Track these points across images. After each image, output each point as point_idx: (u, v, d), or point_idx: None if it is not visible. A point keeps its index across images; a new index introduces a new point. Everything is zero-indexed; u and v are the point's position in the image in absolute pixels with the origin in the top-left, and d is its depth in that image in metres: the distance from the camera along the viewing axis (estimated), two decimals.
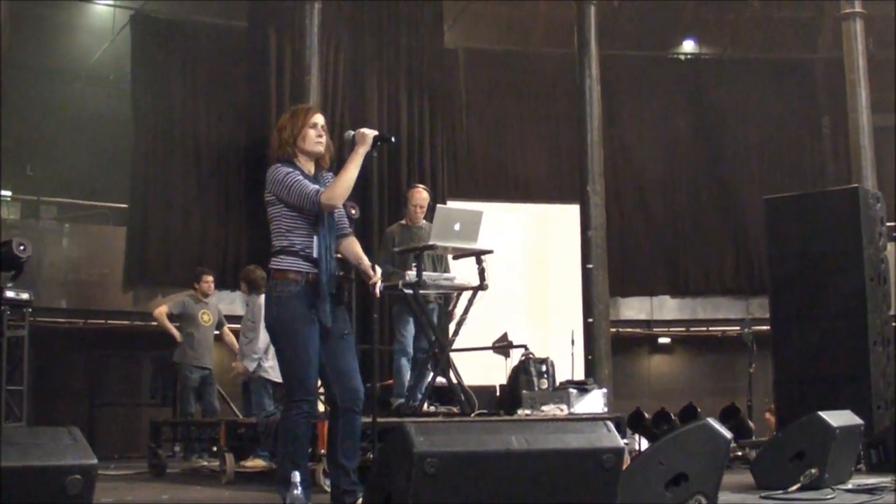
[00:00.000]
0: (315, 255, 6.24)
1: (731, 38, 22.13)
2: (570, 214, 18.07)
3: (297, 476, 5.53)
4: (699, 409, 12.00)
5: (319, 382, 6.52)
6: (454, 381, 10.17)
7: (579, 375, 14.24)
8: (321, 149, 6.41)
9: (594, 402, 11.05)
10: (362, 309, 11.75)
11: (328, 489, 7.63)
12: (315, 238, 6.27)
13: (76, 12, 19.21)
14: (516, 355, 12.28)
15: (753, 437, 11.99)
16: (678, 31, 22.41)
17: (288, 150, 6.38)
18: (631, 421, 12.09)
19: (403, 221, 10.77)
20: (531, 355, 11.83)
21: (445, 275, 10.22)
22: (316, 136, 6.39)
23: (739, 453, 11.07)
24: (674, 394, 19.44)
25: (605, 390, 11.69)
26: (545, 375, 11.61)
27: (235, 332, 13.71)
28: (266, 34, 17.39)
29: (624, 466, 5.41)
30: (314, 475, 8.19)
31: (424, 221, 10.58)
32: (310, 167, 6.41)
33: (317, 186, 6.24)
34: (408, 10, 18.39)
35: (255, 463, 10.90)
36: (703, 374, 21.75)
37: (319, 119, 6.46)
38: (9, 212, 17.77)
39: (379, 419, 7.45)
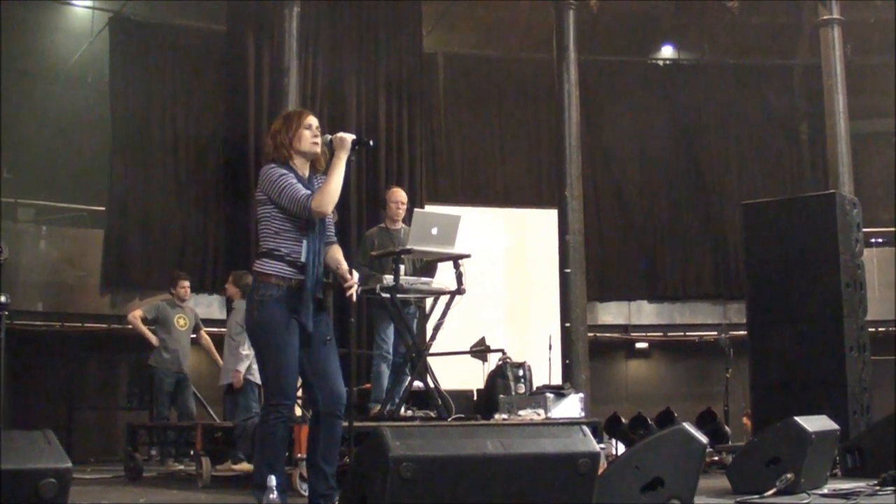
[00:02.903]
0: (303, 259, 6.24)
1: (709, 44, 22.21)
2: (548, 219, 18.09)
3: (273, 480, 5.53)
4: (676, 414, 11.99)
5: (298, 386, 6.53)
6: (431, 385, 10.17)
7: (556, 380, 14.24)
8: (318, 149, 6.40)
9: (571, 406, 11.05)
10: (339, 313, 11.75)
11: (304, 493, 7.64)
12: (304, 242, 6.26)
13: (54, 14, 19.16)
14: (493, 359, 12.28)
15: (730, 442, 12.00)
16: (657, 37, 22.49)
17: (284, 152, 6.36)
18: (608, 425, 12.10)
19: (383, 225, 10.76)
20: (508, 360, 11.83)
21: (423, 278, 10.22)
22: (311, 136, 6.38)
23: (716, 458, 11.10)
24: (651, 398, 19.48)
25: (582, 395, 11.69)
26: (522, 380, 11.61)
27: (212, 336, 13.72)
28: (245, 37, 17.35)
29: (600, 471, 5.42)
30: (291, 479, 8.18)
31: (403, 225, 10.58)
32: (305, 170, 6.41)
33: (308, 192, 6.22)
34: (387, 13, 18.37)
35: (242, 466, 10.91)
36: (680, 379, 21.80)
37: (313, 121, 6.45)
38: None
39: (355, 423, 7.45)
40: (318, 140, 6.41)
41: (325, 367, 6.33)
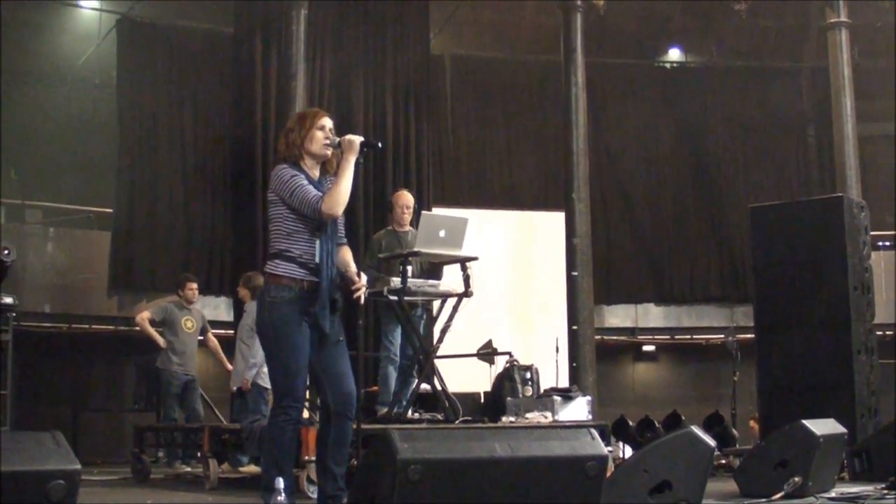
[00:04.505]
0: (317, 259, 6.23)
1: (716, 47, 22.19)
2: (555, 222, 18.08)
3: (280, 482, 5.53)
4: (683, 417, 12.00)
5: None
6: (438, 387, 10.17)
7: (564, 383, 14.19)
8: (328, 152, 6.38)
9: (578, 409, 11.05)
10: (347, 315, 11.75)
11: (312, 495, 7.64)
12: (317, 243, 6.25)
13: (61, 16, 19.16)
14: (501, 362, 12.28)
15: (737, 445, 12.00)
16: (664, 39, 22.46)
17: (295, 151, 6.35)
18: (615, 428, 12.09)
19: (390, 227, 10.75)
20: (516, 362, 11.83)
21: (430, 281, 10.20)
22: (324, 137, 6.36)
23: (723, 461, 11.09)
24: (658, 401, 19.47)
25: (589, 398, 11.68)
26: (529, 382, 11.61)
27: (219, 338, 13.74)
28: (252, 39, 17.33)
29: (608, 474, 5.42)
30: (298, 481, 8.17)
31: (411, 228, 10.57)
32: (315, 172, 6.39)
33: (319, 193, 6.20)
34: (394, 15, 18.36)
35: (249, 468, 10.91)
36: (687, 382, 21.76)
37: (328, 122, 6.43)
38: None
39: (363, 426, 7.44)
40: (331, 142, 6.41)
41: (337, 368, 6.33)
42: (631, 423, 12.31)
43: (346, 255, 6.52)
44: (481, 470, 4.81)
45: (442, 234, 9.81)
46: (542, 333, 17.43)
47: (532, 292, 19.20)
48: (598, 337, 17.99)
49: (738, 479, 8.07)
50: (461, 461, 4.78)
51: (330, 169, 6.44)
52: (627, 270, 21.02)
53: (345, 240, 6.56)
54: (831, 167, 19.50)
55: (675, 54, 22.78)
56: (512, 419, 10.65)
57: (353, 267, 6.48)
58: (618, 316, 21.04)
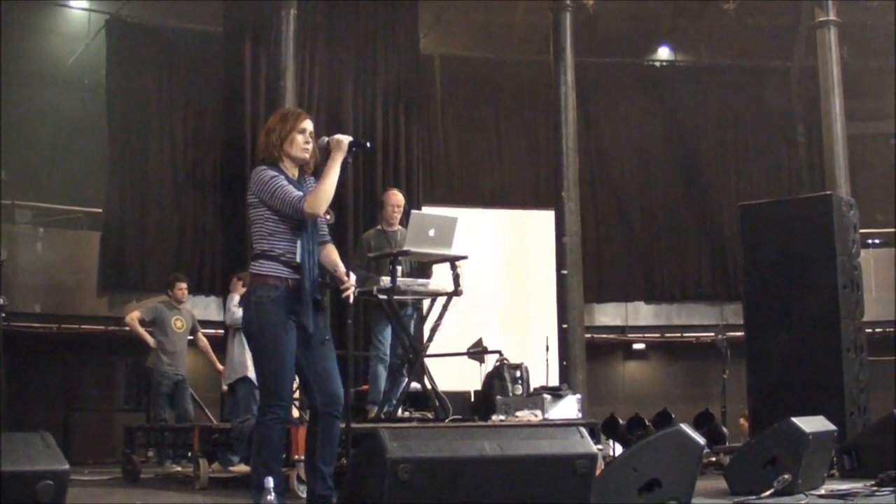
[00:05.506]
0: (298, 259, 6.23)
1: (706, 46, 22.21)
2: (545, 220, 18.07)
3: (270, 482, 5.52)
4: (673, 415, 11.99)
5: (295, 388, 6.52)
6: (428, 386, 10.17)
7: (554, 381, 14.18)
8: (307, 155, 6.38)
9: (568, 407, 11.05)
10: (336, 314, 11.74)
11: (302, 495, 7.64)
12: (298, 243, 6.25)
13: (51, 16, 19.14)
14: (491, 361, 12.26)
15: (727, 443, 12.01)
16: (653, 38, 22.47)
17: (274, 152, 6.35)
18: (605, 427, 12.09)
19: (379, 227, 10.76)
20: (505, 361, 11.82)
21: (420, 280, 10.20)
22: (303, 141, 6.36)
23: (713, 459, 11.10)
24: (648, 399, 19.47)
25: (579, 396, 11.68)
26: (519, 381, 11.60)
27: (209, 338, 13.73)
28: (242, 39, 17.30)
29: (598, 472, 5.42)
30: (288, 481, 8.17)
31: (400, 227, 10.58)
32: (294, 171, 6.39)
33: (300, 193, 6.21)
34: (384, 16, 18.34)
35: (239, 468, 10.91)
36: (677, 380, 21.79)
37: (308, 125, 6.43)
38: None
39: (353, 425, 7.44)
40: (310, 146, 6.40)
41: (324, 368, 6.33)
42: (621, 421, 12.30)
43: (333, 254, 6.53)
44: (471, 469, 4.82)
45: (431, 233, 9.82)
46: (533, 332, 17.42)
47: (522, 291, 19.20)
48: (588, 335, 17.97)
49: (727, 476, 8.07)
50: (451, 460, 4.79)
51: (307, 169, 6.45)
52: (617, 269, 21.03)
53: (328, 237, 6.56)
54: (821, 166, 19.51)
55: (664, 53, 22.80)
56: (502, 418, 10.65)
57: (341, 267, 6.48)
58: (608, 314, 21.05)
